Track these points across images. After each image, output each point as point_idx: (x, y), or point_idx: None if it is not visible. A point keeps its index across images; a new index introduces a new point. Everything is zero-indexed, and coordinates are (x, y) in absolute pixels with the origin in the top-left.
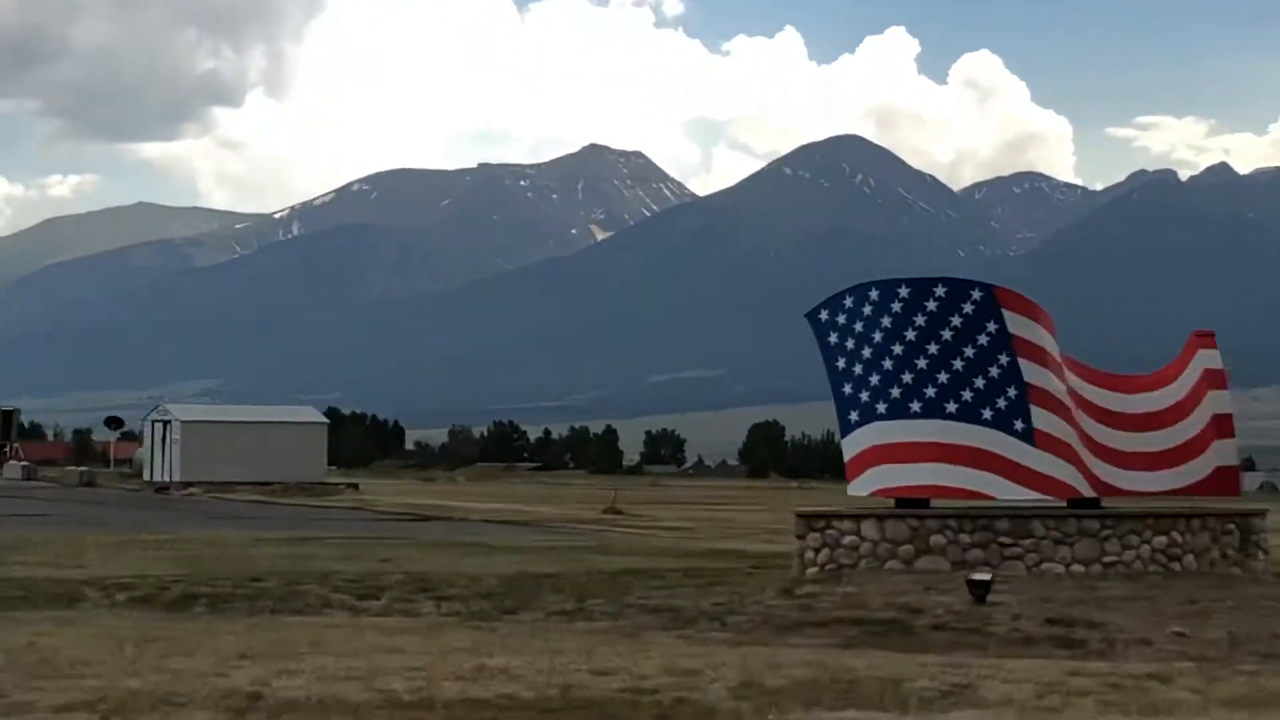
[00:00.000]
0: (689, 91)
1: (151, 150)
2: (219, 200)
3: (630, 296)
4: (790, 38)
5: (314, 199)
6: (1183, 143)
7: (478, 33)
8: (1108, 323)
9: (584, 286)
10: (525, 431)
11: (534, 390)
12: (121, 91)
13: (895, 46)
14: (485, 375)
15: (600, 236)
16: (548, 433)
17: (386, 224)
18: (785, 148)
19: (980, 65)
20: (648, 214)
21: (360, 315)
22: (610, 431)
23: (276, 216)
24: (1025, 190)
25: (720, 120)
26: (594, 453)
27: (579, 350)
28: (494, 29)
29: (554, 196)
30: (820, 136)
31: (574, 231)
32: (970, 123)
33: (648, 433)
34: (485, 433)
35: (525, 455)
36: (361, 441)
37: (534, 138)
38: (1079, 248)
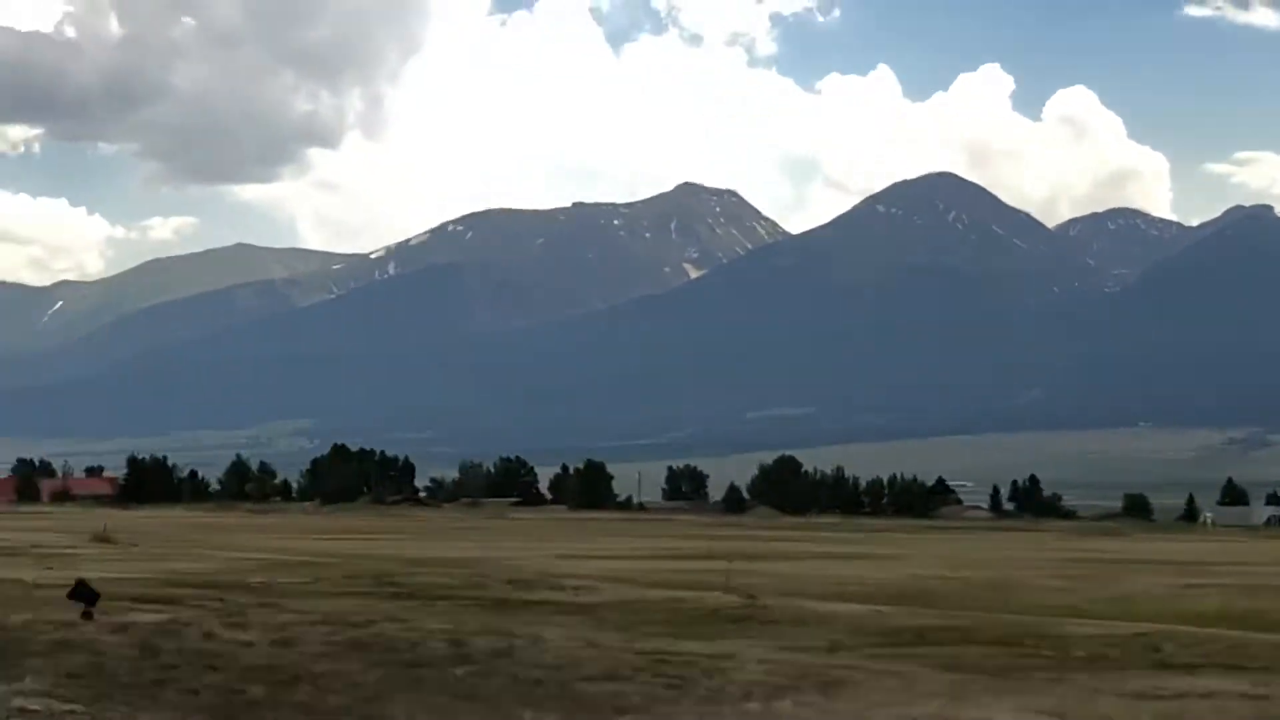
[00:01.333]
0: (782, 130)
1: (250, 192)
2: (316, 241)
3: (723, 334)
4: (883, 75)
5: (410, 239)
6: None
7: (573, 72)
8: (1204, 358)
9: (678, 324)
10: (533, 468)
11: (629, 427)
12: (220, 134)
13: (989, 83)
14: (580, 413)
15: (694, 275)
16: (565, 468)
17: (481, 262)
18: (878, 185)
19: (1075, 101)
20: (741, 252)
21: (455, 354)
22: (594, 468)
23: (373, 257)
24: (1120, 226)
25: (814, 158)
26: (573, 487)
27: (673, 388)
28: (589, 68)
29: (647, 235)
30: (914, 174)
31: (667, 270)
32: (1065, 158)
33: (670, 469)
34: (492, 469)
35: (534, 491)
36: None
37: (628, 176)
38: (1174, 284)
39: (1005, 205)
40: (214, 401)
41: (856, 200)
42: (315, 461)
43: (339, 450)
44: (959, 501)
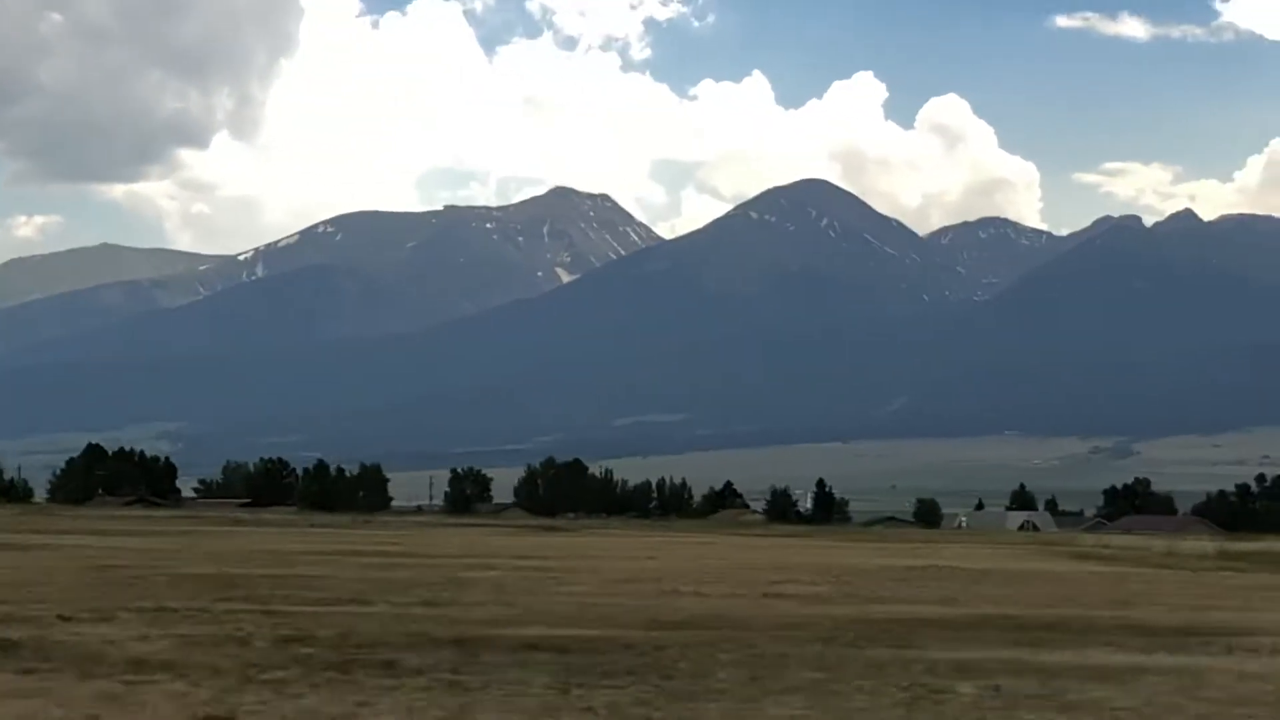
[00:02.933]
0: (656, 135)
1: (117, 191)
2: (184, 242)
3: (594, 340)
4: (758, 82)
5: (278, 240)
6: (1150, 189)
7: (445, 76)
8: (1071, 368)
9: (548, 329)
10: (294, 469)
11: (497, 433)
12: (87, 132)
13: (863, 91)
14: (449, 418)
15: (566, 279)
16: (341, 470)
17: (351, 265)
18: (751, 191)
19: (947, 109)
20: (614, 257)
21: (323, 357)
22: (322, 469)
23: (241, 258)
24: (991, 235)
25: (688, 163)
26: (304, 490)
27: (543, 393)
28: (461, 73)
29: (520, 239)
30: (787, 180)
31: (540, 274)
32: (937, 168)
33: (454, 471)
34: (251, 469)
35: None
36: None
37: (500, 181)
38: (1043, 293)
39: (877, 213)
40: (77, 403)
41: (730, 206)
42: (69, 462)
43: (92, 450)
44: (745, 506)
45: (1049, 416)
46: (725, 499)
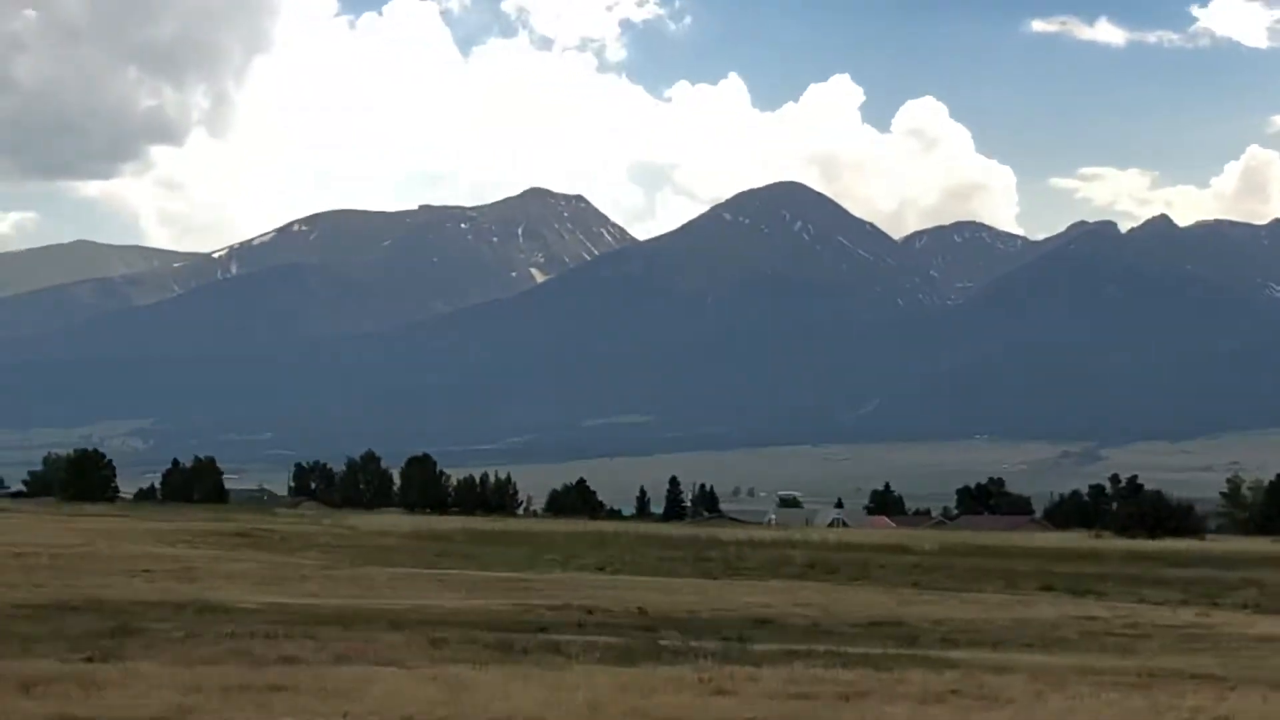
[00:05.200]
0: (631, 137)
1: (92, 188)
2: (159, 239)
3: (566, 340)
4: (734, 85)
5: (253, 239)
6: (1125, 194)
7: (421, 75)
8: (1043, 372)
9: (521, 329)
10: (110, 460)
11: (466, 431)
12: (62, 128)
13: (839, 94)
14: (420, 416)
15: (540, 279)
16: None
17: (325, 264)
18: (726, 194)
19: (924, 113)
20: (588, 258)
21: (296, 355)
22: (86, 457)
23: (215, 256)
24: (966, 239)
25: (663, 165)
26: (207, 487)
27: (514, 392)
28: (437, 72)
29: (494, 239)
30: (762, 183)
31: (514, 274)
32: (913, 171)
33: (298, 465)
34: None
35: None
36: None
37: (475, 181)
38: (1017, 298)
39: (852, 216)
40: (47, 400)
41: (704, 208)
42: None
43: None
44: (601, 505)
45: (1019, 421)
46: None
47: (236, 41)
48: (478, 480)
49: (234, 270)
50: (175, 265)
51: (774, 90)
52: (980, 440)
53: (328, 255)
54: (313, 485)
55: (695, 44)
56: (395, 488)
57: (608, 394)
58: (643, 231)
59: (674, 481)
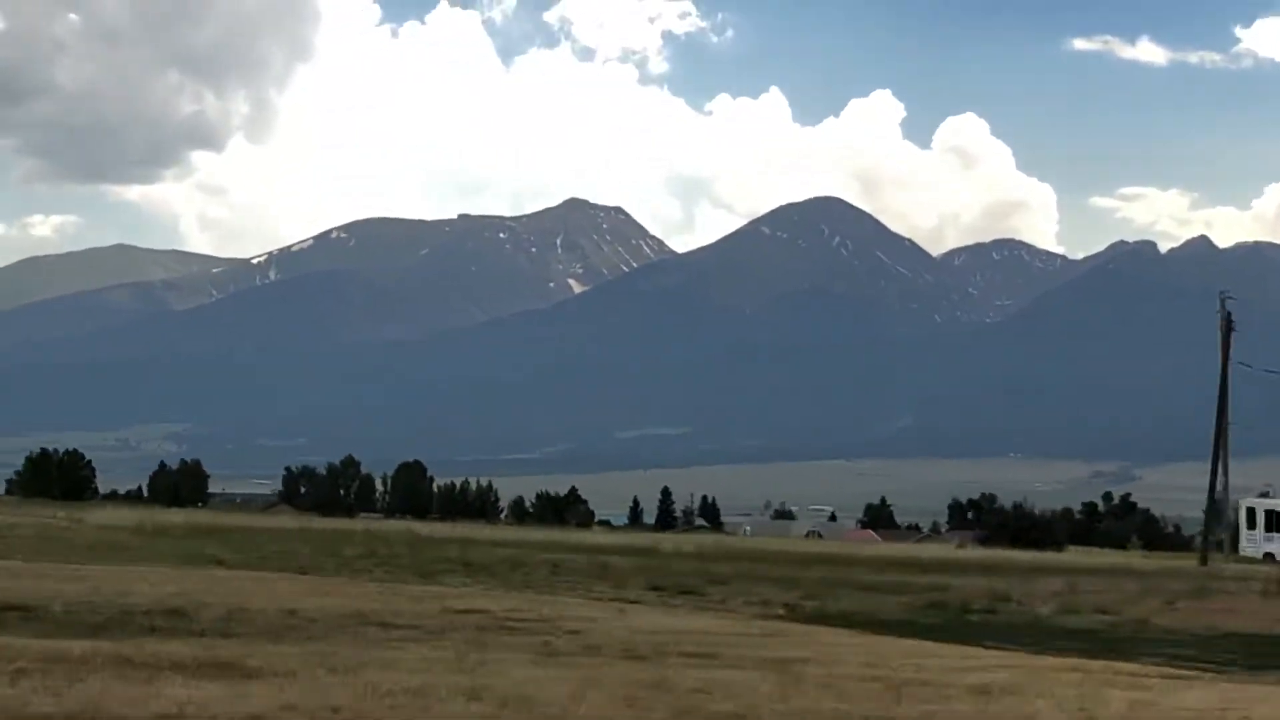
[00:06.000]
0: (672, 149)
1: (132, 193)
2: (199, 244)
3: (604, 351)
4: (774, 99)
5: (292, 245)
6: (1166, 215)
7: (462, 84)
8: (1079, 392)
9: (558, 339)
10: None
11: (502, 441)
12: (103, 132)
13: (880, 110)
14: (454, 425)
15: (577, 290)
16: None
17: (364, 271)
18: (765, 207)
19: (965, 130)
20: (626, 270)
21: (332, 362)
22: (45, 457)
23: (254, 262)
24: (1005, 257)
25: (702, 178)
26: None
27: (549, 403)
28: (479, 81)
29: (533, 249)
30: (801, 197)
31: (551, 285)
32: (953, 188)
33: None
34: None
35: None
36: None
37: (515, 190)
38: (1055, 316)
39: (890, 232)
40: (84, 402)
41: (743, 222)
42: None
43: None
44: (590, 515)
45: (1054, 439)
46: (570, 505)
47: (278, 48)
48: (457, 486)
49: (272, 276)
50: (214, 270)
51: (814, 104)
52: (1014, 458)
53: (366, 262)
54: (302, 490)
55: (737, 57)
56: (378, 493)
57: (643, 406)
58: (681, 244)
59: (665, 492)
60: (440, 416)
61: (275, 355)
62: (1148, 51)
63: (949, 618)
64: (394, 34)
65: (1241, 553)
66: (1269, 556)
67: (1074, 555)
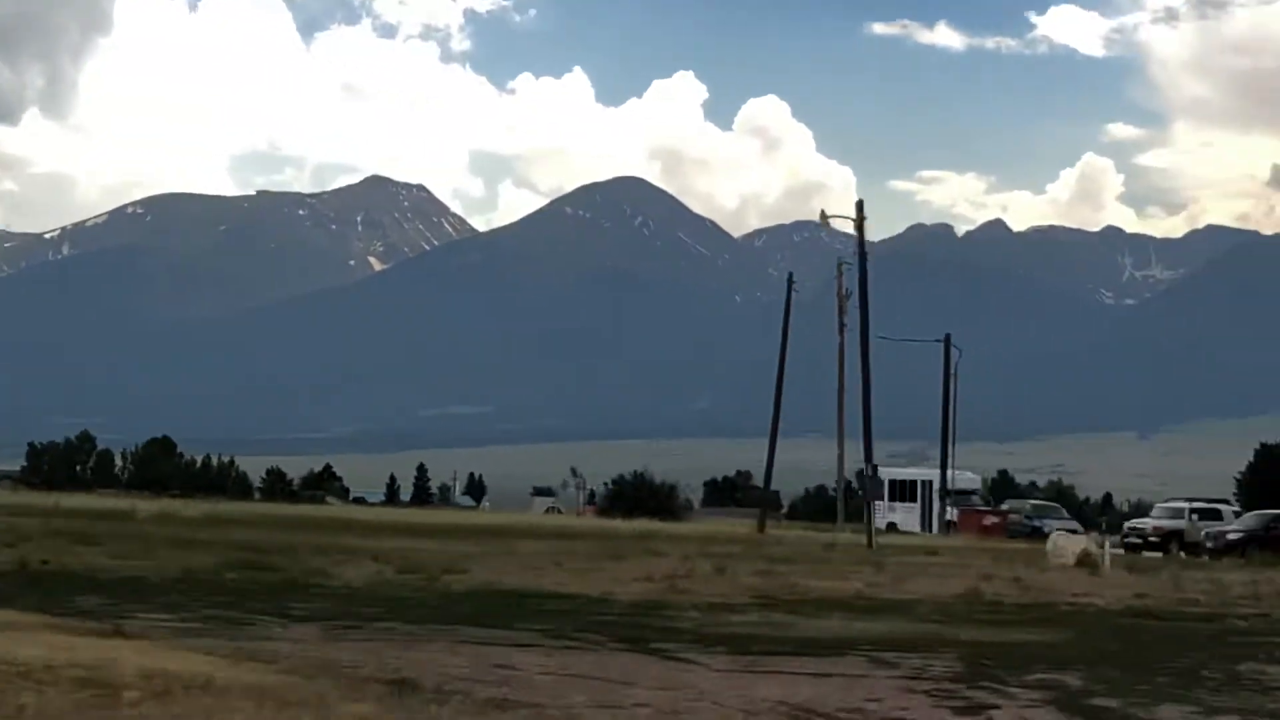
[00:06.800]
0: (474, 127)
1: None
2: None
3: (404, 330)
4: (577, 78)
5: (87, 220)
6: (963, 198)
7: (262, 60)
8: (879, 372)
9: (359, 318)
10: None
11: (299, 420)
12: None
13: (683, 91)
14: (251, 403)
15: (378, 268)
16: None
17: (161, 247)
18: (568, 187)
19: (767, 112)
20: (428, 248)
21: (128, 340)
22: None
23: (47, 236)
24: (805, 238)
25: (505, 156)
26: None
27: (350, 381)
28: (279, 56)
29: (333, 226)
30: (604, 177)
31: (352, 263)
32: (755, 169)
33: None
34: None
35: None
36: None
37: (316, 167)
38: (854, 297)
39: (692, 213)
40: None
41: (545, 201)
42: None
43: None
44: (346, 491)
45: (853, 420)
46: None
47: (74, 20)
48: (199, 462)
49: (66, 251)
50: (6, 244)
51: (617, 84)
52: (812, 438)
53: (162, 238)
54: (44, 465)
55: (540, 36)
56: (118, 469)
57: (444, 385)
58: (483, 223)
59: (421, 468)
60: (238, 395)
61: (70, 333)
62: (945, 36)
63: None
64: (192, 7)
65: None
66: (892, 526)
67: (670, 525)
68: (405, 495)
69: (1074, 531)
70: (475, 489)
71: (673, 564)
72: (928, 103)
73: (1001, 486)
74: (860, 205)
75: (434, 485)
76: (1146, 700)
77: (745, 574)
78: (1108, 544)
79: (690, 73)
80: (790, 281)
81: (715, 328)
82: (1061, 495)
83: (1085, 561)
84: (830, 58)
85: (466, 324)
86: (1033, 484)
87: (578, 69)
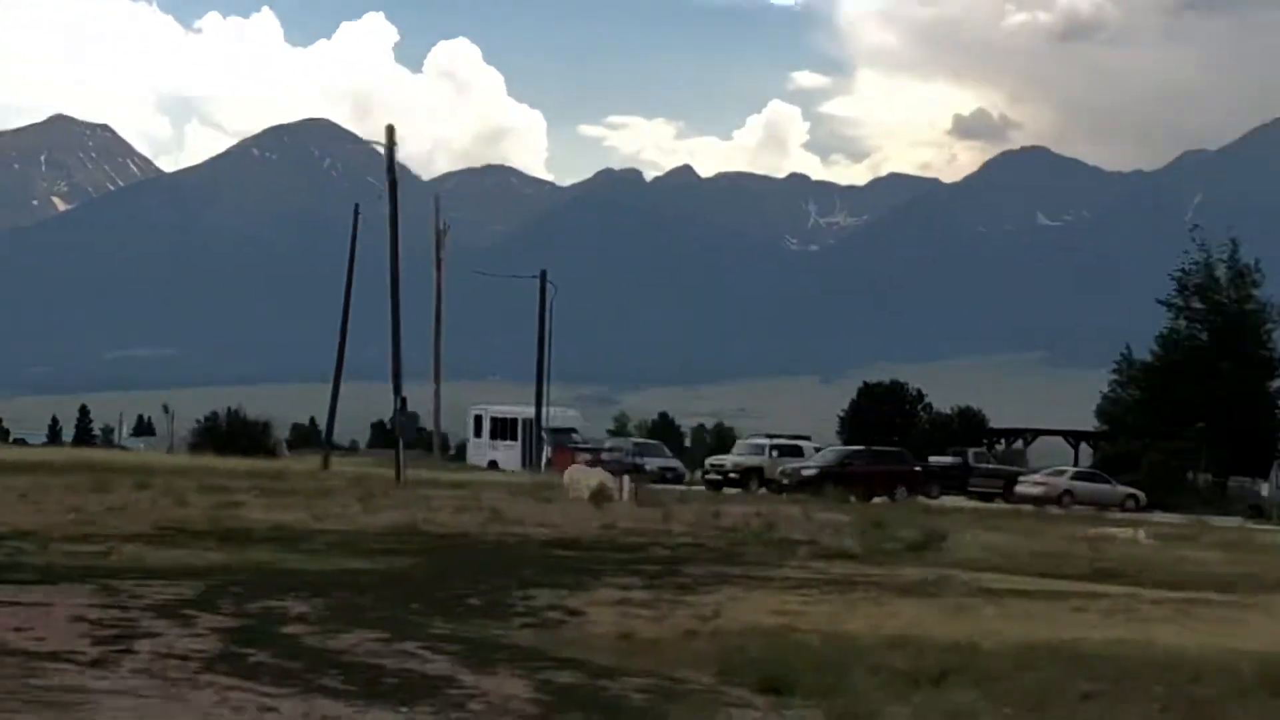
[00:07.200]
0: (161, 67)
1: None
2: None
3: (87, 272)
4: (266, 18)
5: None
6: (651, 144)
7: None
8: (563, 317)
9: (42, 259)
10: None
11: None
12: None
13: (372, 32)
14: None
15: (62, 209)
16: None
17: None
18: (256, 128)
19: (457, 54)
20: (113, 188)
21: None
22: None
23: None
24: (495, 183)
25: (192, 97)
26: None
27: (33, 324)
28: None
29: (15, 166)
30: (292, 119)
31: (35, 203)
32: (445, 112)
33: None
34: None
35: None
36: None
37: None
38: (543, 243)
39: (381, 156)
40: None
41: (233, 142)
42: None
43: None
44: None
45: (528, 366)
46: None
47: None
48: None
49: None
50: None
51: (306, 25)
52: (495, 380)
53: None
54: None
55: None
56: None
57: (128, 327)
58: (170, 164)
59: (83, 410)
60: None
61: None
62: None
63: None
64: None
65: (469, 461)
66: (493, 464)
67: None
68: (68, 437)
69: (674, 470)
70: (146, 431)
71: (123, 496)
72: (617, 48)
73: (661, 428)
74: (391, 130)
75: (100, 427)
76: (351, 627)
77: (195, 507)
78: (627, 479)
79: (380, 14)
80: (356, 213)
81: (401, 272)
82: (722, 438)
83: (601, 494)
84: (521, 1)
85: (152, 266)
86: (701, 426)
87: (266, 9)
